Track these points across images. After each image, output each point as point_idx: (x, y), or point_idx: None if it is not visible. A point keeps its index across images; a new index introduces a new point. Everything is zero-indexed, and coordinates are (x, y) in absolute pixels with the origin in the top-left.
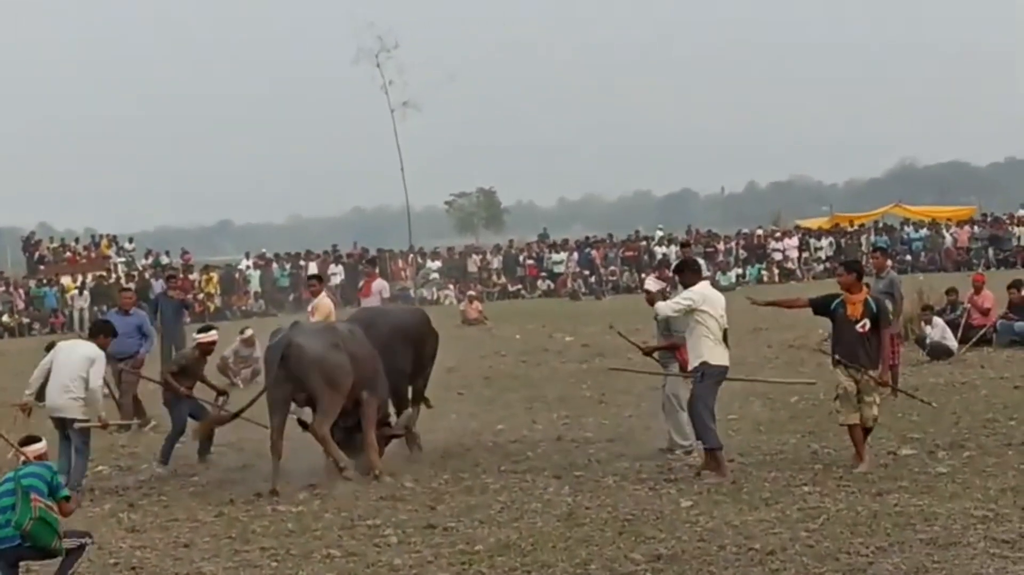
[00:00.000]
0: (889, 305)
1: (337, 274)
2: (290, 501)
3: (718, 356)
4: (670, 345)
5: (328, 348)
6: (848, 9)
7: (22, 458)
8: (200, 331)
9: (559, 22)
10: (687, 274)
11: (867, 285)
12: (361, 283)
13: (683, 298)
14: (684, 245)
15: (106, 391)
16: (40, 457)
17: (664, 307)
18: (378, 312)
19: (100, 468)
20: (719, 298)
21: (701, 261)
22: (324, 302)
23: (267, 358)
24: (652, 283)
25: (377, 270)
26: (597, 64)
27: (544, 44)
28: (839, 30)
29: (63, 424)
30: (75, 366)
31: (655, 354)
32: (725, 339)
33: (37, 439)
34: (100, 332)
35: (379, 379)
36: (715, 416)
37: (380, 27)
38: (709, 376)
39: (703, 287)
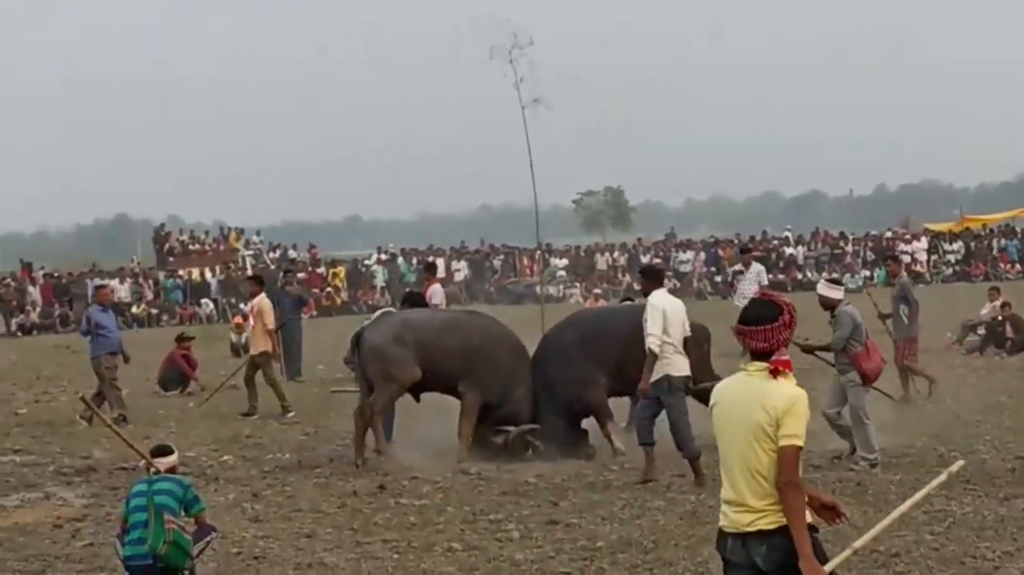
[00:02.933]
0: (904, 308)
1: (461, 270)
2: (413, 494)
3: (679, 366)
4: (825, 347)
5: (388, 340)
6: (984, 6)
7: (153, 469)
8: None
9: (690, 22)
10: (646, 281)
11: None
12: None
13: (649, 333)
14: (744, 251)
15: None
16: (171, 470)
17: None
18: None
19: (225, 458)
20: (680, 307)
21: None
22: (264, 302)
23: (351, 345)
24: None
25: (436, 275)
26: (727, 64)
27: (675, 44)
28: (973, 29)
29: None
30: None
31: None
32: (685, 347)
33: (169, 450)
34: None
35: (479, 374)
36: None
37: (515, 24)
38: (676, 388)
39: (662, 298)
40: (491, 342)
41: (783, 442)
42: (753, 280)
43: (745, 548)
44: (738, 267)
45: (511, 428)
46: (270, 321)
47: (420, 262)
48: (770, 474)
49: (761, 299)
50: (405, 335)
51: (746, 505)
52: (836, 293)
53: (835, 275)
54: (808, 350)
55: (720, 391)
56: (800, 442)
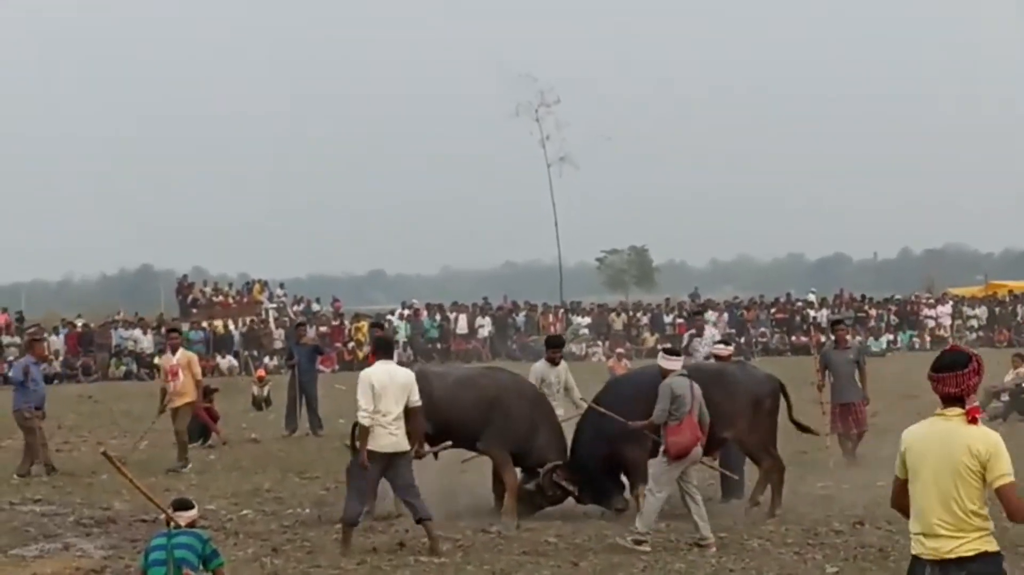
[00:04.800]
0: (856, 372)
1: (484, 326)
2: (433, 552)
3: (389, 441)
4: (649, 423)
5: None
6: (1010, 66)
7: (173, 523)
8: None
9: (718, 82)
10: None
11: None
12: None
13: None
14: (696, 313)
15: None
16: (192, 524)
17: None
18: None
19: (245, 512)
20: (399, 378)
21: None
22: (192, 355)
23: None
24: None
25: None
26: (753, 125)
27: (702, 104)
28: (997, 92)
29: None
30: None
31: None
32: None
33: (190, 504)
34: None
35: (498, 427)
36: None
37: (542, 82)
38: (397, 460)
39: (375, 370)
40: (507, 394)
41: (999, 482)
42: (708, 345)
43: (944, 574)
44: (693, 331)
45: (540, 470)
46: (198, 371)
47: (443, 318)
48: (969, 507)
49: (952, 350)
50: (420, 387)
51: (946, 535)
52: (670, 364)
53: (669, 345)
54: (637, 428)
55: (913, 434)
56: (1012, 478)
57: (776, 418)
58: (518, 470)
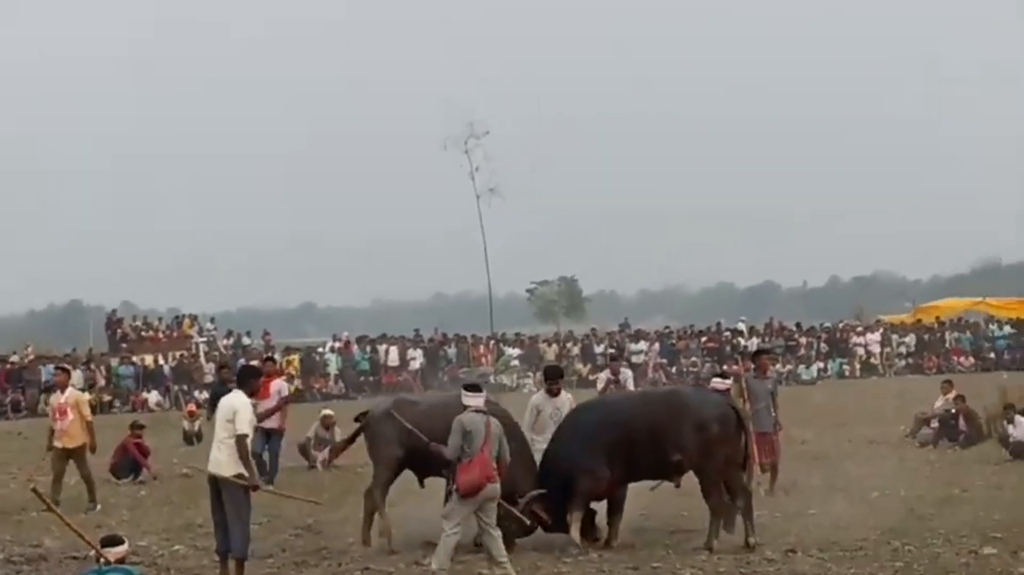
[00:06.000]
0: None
1: (416, 358)
2: None
3: (222, 464)
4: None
5: (377, 419)
6: (932, 103)
7: (103, 560)
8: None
9: (646, 113)
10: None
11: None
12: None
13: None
14: (613, 359)
15: None
16: (122, 560)
17: None
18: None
19: (177, 547)
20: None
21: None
22: (80, 394)
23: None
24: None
25: (278, 366)
26: (681, 156)
27: (631, 136)
28: (923, 124)
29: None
30: None
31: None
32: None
33: (120, 540)
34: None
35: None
36: None
37: (471, 114)
38: (227, 485)
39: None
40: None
41: None
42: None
43: None
44: (607, 374)
45: (519, 500)
46: (87, 413)
47: (373, 350)
48: None
49: None
50: (393, 415)
51: None
52: (468, 400)
53: (476, 380)
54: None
55: None
56: None
57: (735, 446)
58: None
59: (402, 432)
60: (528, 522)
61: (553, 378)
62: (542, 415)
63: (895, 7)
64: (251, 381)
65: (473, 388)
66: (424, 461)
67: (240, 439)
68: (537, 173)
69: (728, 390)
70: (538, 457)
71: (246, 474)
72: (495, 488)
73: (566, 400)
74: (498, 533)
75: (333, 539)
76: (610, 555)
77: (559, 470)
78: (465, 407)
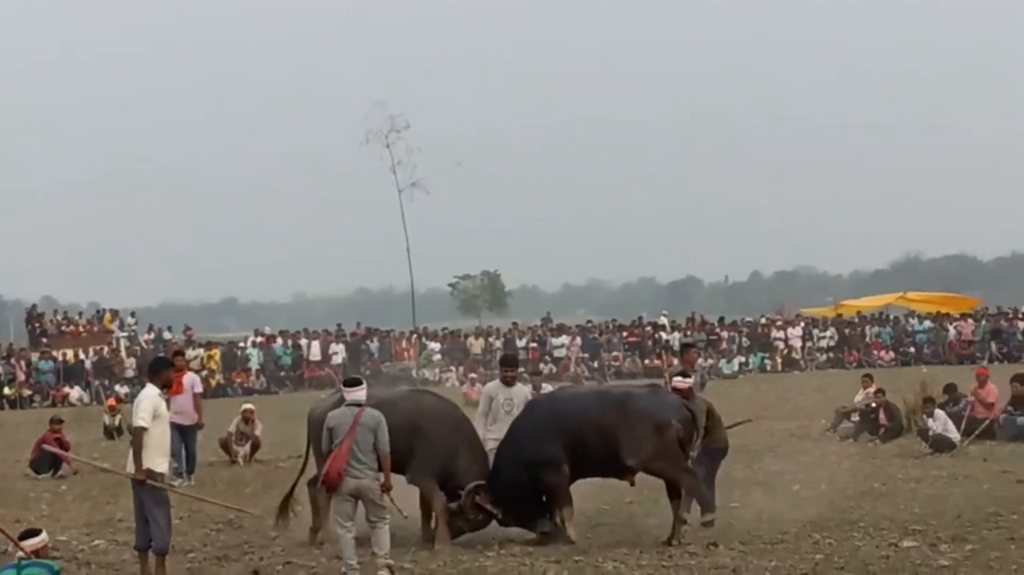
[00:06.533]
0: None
1: (338, 353)
2: None
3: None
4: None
5: (319, 417)
6: (856, 99)
7: (20, 553)
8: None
9: (567, 109)
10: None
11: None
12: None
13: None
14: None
15: None
16: (38, 552)
17: None
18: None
19: (97, 542)
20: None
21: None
22: None
23: None
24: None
25: (187, 362)
26: (603, 152)
27: (554, 134)
28: (844, 118)
29: None
30: None
31: None
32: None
33: (37, 532)
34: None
35: (421, 455)
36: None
37: (392, 108)
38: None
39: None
40: (427, 419)
41: None
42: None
43: None
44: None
45: (460, 493)
46: None
47: (295, 345)
48: None
49: None
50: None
51: None
52: (347, 394)
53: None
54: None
55: None
56: None
57: (687, 446)
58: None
59: None
60: (474, 516)
61: (509, 366)
62: (494, 403)
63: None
64: (163, 372)
65: (352, 383)
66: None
67: (136, 431)
68: (463, 169)
69: (690, 388)
70: (492, 454)
71: (155, 470)
72: (356, 483)
73: (521, 391)
74: (385, 528)
75: (255, 534)
76: (533, 549)
77: (517, 466)
78: (342, 402)
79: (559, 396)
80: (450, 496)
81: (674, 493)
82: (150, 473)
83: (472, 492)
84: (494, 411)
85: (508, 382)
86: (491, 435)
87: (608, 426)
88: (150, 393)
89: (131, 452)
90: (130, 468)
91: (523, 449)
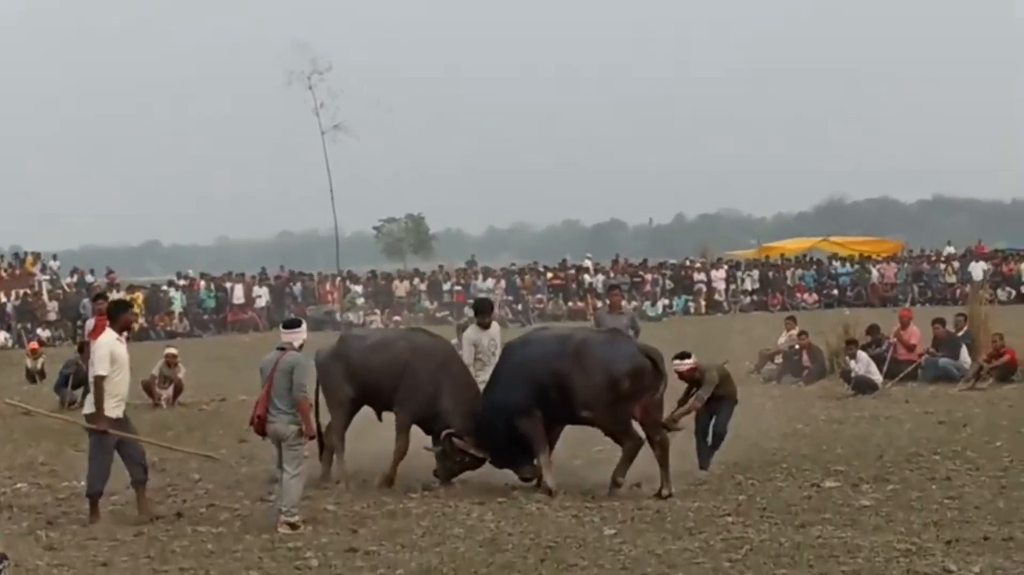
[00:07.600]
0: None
1: (262, 296)
2: (211, 522)
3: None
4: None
5: (328, 357)
6: (779, 44)
7: None
8: None
9: (492, 49)
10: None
11: None
12: (92, 322)
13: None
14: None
15: None
16: None
17: None
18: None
19: (19, 485)
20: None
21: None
22: None
23: None
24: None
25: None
26: (528, 94)
27: (475, 71)
28: (768, 63)
29: None
30: None
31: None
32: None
33: None
34: None
35: (407, 393)
36: None
37: (313, 49)
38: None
39: (107, 338)
40: (417, 357)
41: None
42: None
43: None
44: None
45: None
46: None
47: (219, 288)
48: None
49: None
50: (340, 354)
51: None
52: (283, 336)
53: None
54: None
55: None
56: None
57: (651, 398)
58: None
59: (350, 369)
60: (460, 458)
61: (484, 311)
62: (480, 348)
63: None
64: (121, 316)
65: (291, 324)
66: (377, 395)
67: (95, 379)
68: (384, 109)
69: (690, 370)
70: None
71: (110, 416)
72: (272, 428)
73: (497, 331)
74: (293, 481)
75: (177, 477)
76: (459, 490)
77: (495, 411)
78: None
79: (532, 340)
80: (436, 438)
81: (659, 446)
82: (107, 420)
83: (448, 437)
84: (483, 355)
85: (485, 326)
86: (481, 376)
87: (564, 374)
88: (108, 339)
89: (89, 399)
90: (88, 410)
91: (497, 395)
